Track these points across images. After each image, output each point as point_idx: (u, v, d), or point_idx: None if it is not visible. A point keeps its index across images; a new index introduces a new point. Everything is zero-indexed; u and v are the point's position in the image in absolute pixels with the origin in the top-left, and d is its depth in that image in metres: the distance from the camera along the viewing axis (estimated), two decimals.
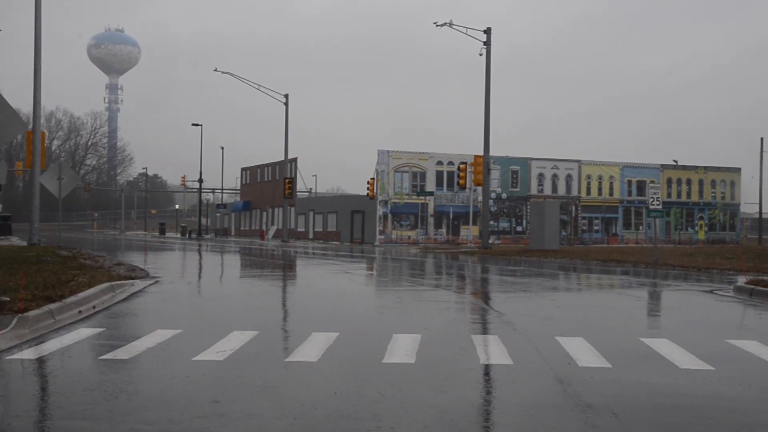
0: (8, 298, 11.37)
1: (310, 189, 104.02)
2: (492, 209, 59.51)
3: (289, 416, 6.11)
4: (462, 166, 46.61)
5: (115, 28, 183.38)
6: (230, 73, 59.95)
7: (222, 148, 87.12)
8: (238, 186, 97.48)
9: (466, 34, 42.33)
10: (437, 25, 42.44)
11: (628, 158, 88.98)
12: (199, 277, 22.73)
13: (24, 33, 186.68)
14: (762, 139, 68.68)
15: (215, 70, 59.97)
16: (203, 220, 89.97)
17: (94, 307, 12.80)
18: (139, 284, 17.21)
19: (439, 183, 62.63)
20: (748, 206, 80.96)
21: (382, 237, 60.55)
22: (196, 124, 76.08)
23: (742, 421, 6.27)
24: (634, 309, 14.96)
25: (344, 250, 46.81)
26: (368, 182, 59.72)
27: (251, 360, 8.46)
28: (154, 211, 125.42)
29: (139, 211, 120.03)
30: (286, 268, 28.07)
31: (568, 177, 66.78)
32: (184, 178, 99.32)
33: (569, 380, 7.49)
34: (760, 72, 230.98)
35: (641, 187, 67.27)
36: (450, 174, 61.81)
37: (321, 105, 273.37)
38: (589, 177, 67.42)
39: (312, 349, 9.04)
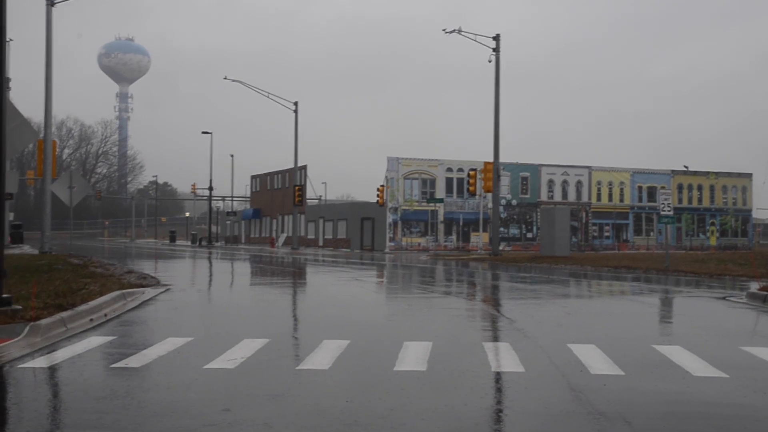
0: (20, 307, 11.41)
1: (320, 196, 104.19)
2: (502, 216, 59.45)
3: (300, 424, 6.10)
4: (472, 172, 46.58)
5: (126, 37, 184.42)
6: (240, 81, 60.24)
7: (232, 156, 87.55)
8: (248, 194, 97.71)
9: (475, 40, 42.38)
10: (446, 32, 42.51)
11: (638, 164, 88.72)
12: (210, 285, 22.76)
13: (35, 43, 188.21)
14: None
15: (225, 78, 60.35)
16: (213, 228, 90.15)
17: (105, 315, 12.82)
18: (150, 292, 17.24)
19: (448, 190, 62.65)
20: (760, 212, 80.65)
21: (392, 244, 60.54)
22: (206, 132, 76.38)
23: (757, 429, 6.21)
24: (645, 316, 14.88)
25: (354, 257, 46.81)
26: (378, 189, 59.75)
27: (262, 368, 8.45)
28: (164, 219, 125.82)
29: (149, 219, 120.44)
30: (297, 275, 28.08)
31: (579, 183, 66.63)
32: (194, 186, 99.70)
33: (581, 388, 7.44)
34: None
35: (652, 193, 67.08)
36: (460, 181, 61.82)
37: (330, 114, 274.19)
38: (599, 183, 67.27)
39: (323, 356, 9.02)
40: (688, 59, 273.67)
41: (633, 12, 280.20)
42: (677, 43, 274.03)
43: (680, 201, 68.48)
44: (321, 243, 73.00)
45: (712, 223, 71.00)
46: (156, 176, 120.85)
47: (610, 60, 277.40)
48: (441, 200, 61.01)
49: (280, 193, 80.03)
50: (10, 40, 43.93)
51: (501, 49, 42.36)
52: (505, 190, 61.08)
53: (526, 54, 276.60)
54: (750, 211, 73.36)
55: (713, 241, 70.01)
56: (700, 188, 70.63)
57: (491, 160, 43.00)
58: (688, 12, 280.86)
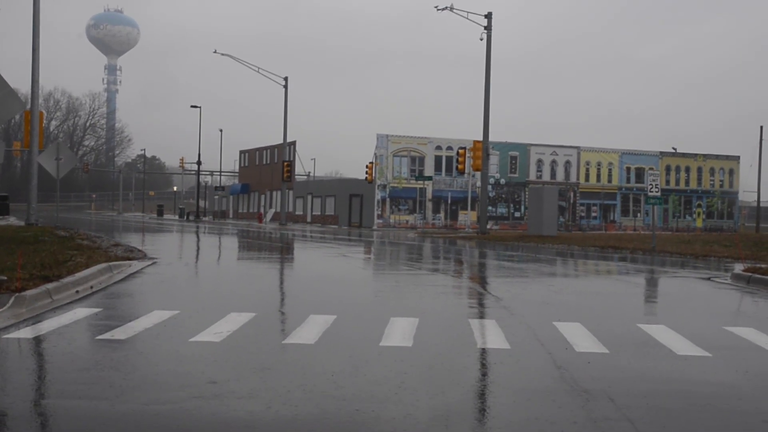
0: (5, 278, 11.35)
1: (309, 172, 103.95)
2: (490, 195, 59.51)
3: (286, 397, 6.11)
4: (461, 151, 46.54)
5: (114, 9, 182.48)
6: (230, 55, 59.78)
7: (221, 131, 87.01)
8: (237, 169, 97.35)
9: (467, 18, 42.17)
10: (438, 9, 42.29)
11: (627, 145, 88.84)
12: (197, 259, 22.73)
13: (23, 13, 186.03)
14: (761, 127, 68.60)
15: (215, 52, 59.88)
16: (201, 203, 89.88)
17: (91, 287, 12.78)
18: (136, 265, 17.19)
19: (437, 168, 62.58)
20: (747, 194, 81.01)
21: (380, 221, 60.55)
22: (195, 106, 75.89)
23: (738, 406, 6.27)
24: (631, 295, 14.97)
25: (342, 233, 46.81)
26: (367, 166, 59.63)
27: (248, 341, 8.45)
28: (152, 193, 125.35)
29: (137, 192, 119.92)
30: (284, 250, 28.06)
31: (567, 163, 66.71)
32: (182, 160, 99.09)
33: (566, 365, 7.49)
34: (762, 62, 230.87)
35: (640, 174, 67.25)
36: (449, 159, 61.77)
37: (320, 93, 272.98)
38: (588, 163, 67.36)
39: (309, 331, 9.03)
40: (679, 44, 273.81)
41: None
42: (669, 28, 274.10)
43: (668, 182, 68.68)
44: (309, 219, 72.93)
45: (699, 205, 71.33)
46: (144, 150, 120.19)
47: (601, 43, 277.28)
48: (429, 178, 60.97)
49: (269, 169, 79.77)
50: None
51: (492, 28, 42.20)
52: (493, 169, 61.08)
53: (517, 37, 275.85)
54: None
55: (699, 223, 70.36)
56: (687, 170, 70.87)
57: (481, 138, 42.97)
58: None
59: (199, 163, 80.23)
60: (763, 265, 18.71)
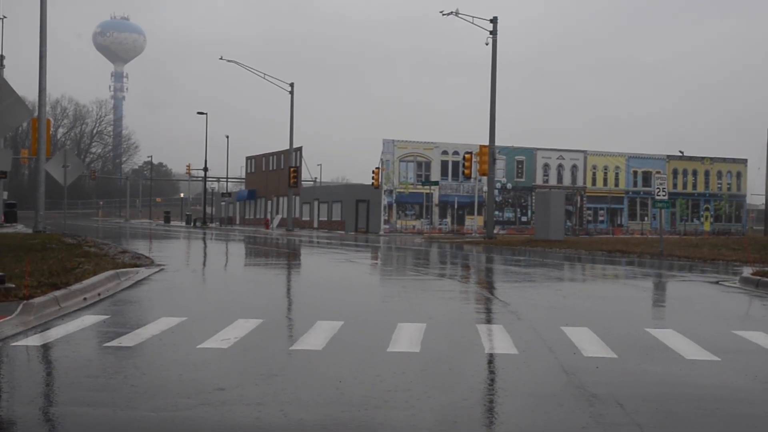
0: (14, 285, 11.38)
1: (315, 178, 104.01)
2: (497, 199, 59.43)
3: (294, 404, 6.10)
4: (467, 155, 46.51)
5: (121, 16, 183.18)
6: (236, 62, 60.00)
7: (227, 137, 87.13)
8: (243, 175, 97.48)
9: (472, 23, 42.22)
10: (443, 14, 42.36)
11: (633, 149, 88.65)
12: (204, 266, 22.75)
13: (29, 21, 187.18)
14: None
15: (221, 59, 60.12)
16: (208, 209, 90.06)
17: (99, 294, 12.81)
18: (144, 272, 17.21)
19: (444, 173, 62.50)
20: (755, 197, 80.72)
21: (387, 226, 60.53)
22: (202, 113, 76.10)
23: (747, 411, 6.25)
24: (639, 299, 14.92)
25: (349, 239, 46.80)
26: (373, 172, 59.62)
27: (256, 348, 8.45)
28: (159, 200, 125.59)
29: (144, 199, 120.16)
30: (291, 256, 28.08)
31: (574, 167, 66.57)
32: (189, 166, 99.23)
33: (574, 370, 7.47)
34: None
35: (647, 177, 67.03)
36: (455, 164, 61.69)
37: (326, 99, 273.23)
38: (594, 167, 67.20)
39: (317, 337, 9.03)
40: (685, 47, 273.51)
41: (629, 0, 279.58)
42: (674, 31, 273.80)
43: (675, 186, 68.43)
44: (316, 225, 72.96)
45: (707, 209, 71.08)
46: (151, 156, 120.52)
47: (606, 47, 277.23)
48: (436, 183, 60.89)
49: (276, 175, 79.85)
50: (4, 17, 43.61)
51: (498, 33, 42.22)
52: (500, 174, 61.01)
53: (523, 41, 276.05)
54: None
55: (707, 227, 70.09)
56: (695, 173, 70.62)
57: (487, 143, 42.94)
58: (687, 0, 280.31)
59: (205, 169, 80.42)
60: None
